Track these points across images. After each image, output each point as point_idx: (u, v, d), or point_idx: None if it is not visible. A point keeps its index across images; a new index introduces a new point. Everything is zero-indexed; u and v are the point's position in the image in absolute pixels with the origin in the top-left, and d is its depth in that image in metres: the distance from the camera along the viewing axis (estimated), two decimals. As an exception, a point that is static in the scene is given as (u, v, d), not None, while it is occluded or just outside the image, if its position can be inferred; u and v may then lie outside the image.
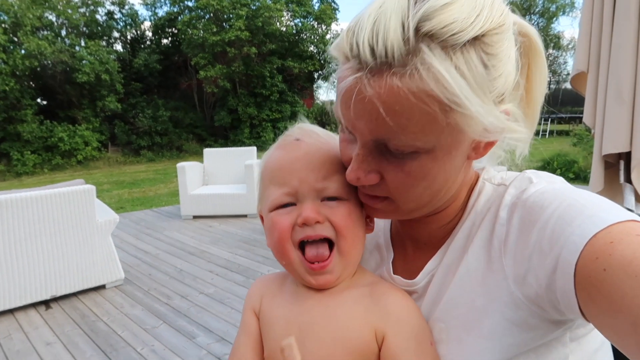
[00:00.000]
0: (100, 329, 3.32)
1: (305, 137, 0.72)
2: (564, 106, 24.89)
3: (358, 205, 0.71)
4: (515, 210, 0.62)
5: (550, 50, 30.98)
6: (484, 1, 0.54)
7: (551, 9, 28.84)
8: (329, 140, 0.73)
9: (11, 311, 3.65)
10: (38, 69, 16.30)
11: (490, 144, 0.62)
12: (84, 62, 16.80)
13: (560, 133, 21.09)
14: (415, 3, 0.52)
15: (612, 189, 2.97)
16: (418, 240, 0.77)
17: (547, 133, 20.55)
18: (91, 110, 17.59)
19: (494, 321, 0.61)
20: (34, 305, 3.77)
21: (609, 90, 2.83)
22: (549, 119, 21.29)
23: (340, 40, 0.58)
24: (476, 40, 0.52)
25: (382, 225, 0.85)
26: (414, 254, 0.77)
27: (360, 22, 0.55)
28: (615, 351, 0.70)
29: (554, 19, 29.38)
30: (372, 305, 0.68)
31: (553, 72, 30.36)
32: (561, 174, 9.50)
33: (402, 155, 0.58)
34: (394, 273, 0.76)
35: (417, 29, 0.51)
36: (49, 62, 16.14)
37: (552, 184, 0.64)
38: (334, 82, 0.66)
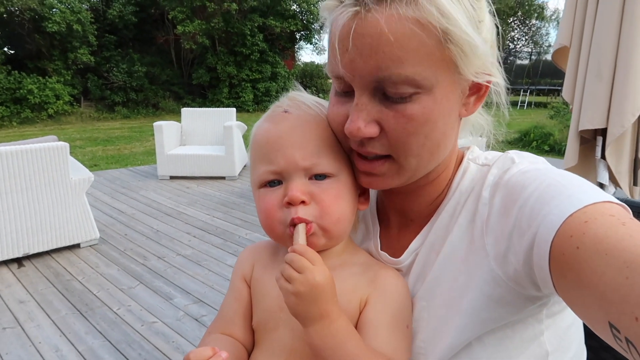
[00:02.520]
0: (75, 288, 3.31)
1: (293, 109, 0.70)
2: (543, 78, 25.11)
3: (349, 181, 0.70)
4: (497, 190, 0.63)
5: (534, 21, 30.93)
6: None
7: (537, -22, 28.62)
8: (318, 112, 0.70)
9: (-18, 268, 3.60)
10: (4, 15, 15.47)
11: (478, 100, 0.65)
12: (54, 10, 16.00)
13: (538, 105, 21.36)
14: None
15: (586, 165, 3.04)
16: (404, 215, 0.77)
17: (526, 104, 20.78)
18: (62, 62, 16.89)
19: (473, 297, 0.63)
20: (6, 262, 3.71)
21: (589, 66, 2.85)
22: (528, 91, 21.49)
23: None
24: None
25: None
26: (398, 231, 0.78)
27: None
28: (586, 328, 0.74)
29: (540, -12, 29.19)
30: (364, 280, 0.69)
31: (535, 43, 30.43)
32: (536, 146, 9.70)
33: (402, 99, 0.58)
34: (381, 249, 0.77)
35: None
36: (17, 8, 15.33)
37: (534, 164, 0.65)
38: (323, 39, 0.66)
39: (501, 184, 0.63)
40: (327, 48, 0.62)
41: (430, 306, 0.69)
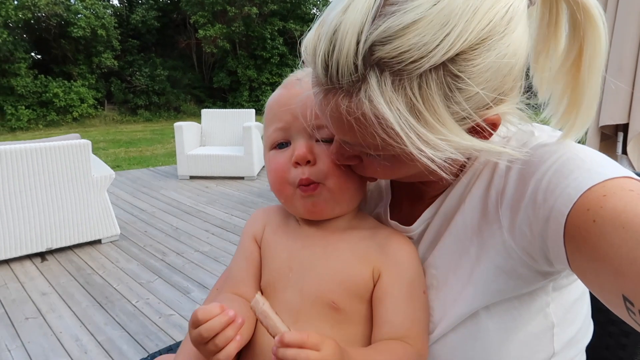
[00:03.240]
0: (96, 282, 3.37)
1: (306, 78, 0.71)
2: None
3: None
4: (514, 162, 0.62)
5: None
6: (463, 12, 0.46)
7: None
8: None
9: (7, 262, 3.69)
10: (32, 21, 15.92)
11: (495, 128, 0.56)
12: (79, 15, 16.41)
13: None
14: (374, 19, 0.47)
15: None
16: (418, 188, 0.77)
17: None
18: (87, 67, 17.30)
19: (484, 268, 0.63)
20: (30, 256, 3.80)
21: (610, 60, 2.81)
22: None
23: (307, 40, 0.56)
24: (443, 64, 0.47)
25: None
26: (411, 201, 0.78)
27: (324, 25, 0.52)
28: (593, 302, 0.73)
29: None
30: (373, 246, 0.70)
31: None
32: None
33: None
34: (391, 218, 0.77)
35: (370, 53, 0.47)
36: (43, 14, 15.75)
37: (554, 137, 0.64)
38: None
39: (518, 155, 0.63)
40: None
41: (440, 274, 0.69)
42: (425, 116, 0.49)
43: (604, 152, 2.16)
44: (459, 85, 0.49)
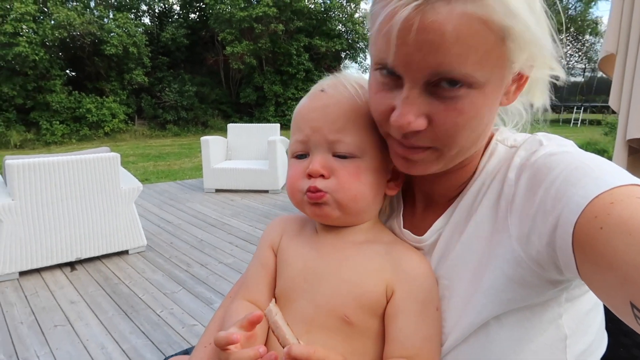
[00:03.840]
0: (122, 291, 3.44)
1: (330, 89, 0.73)
2: (598, 95, 24.13)
3: (374, 164, 0.71)
4: (524, 172, 0.63)
5: (587, 37, 29.93)
6: None
7: (590, -7, 27.79)
8: (354, 94, 0.71)
9: (38, 270, 3.80)
10: (67, 39, 16.51)
11: (518, 89, 0.65)
12: (112, 34, 16.96)
13: (592, 122, 20.54)
14: None
15: (636, 175, 2.91)
16: (430, 197, 0.78)
17: (579, 122, 20.02)
18: (118, 83, 17.83)
19: (493, 277, 0.63)
20: (60, 266, 3.92)
21: (637, 73, 2.75)
22: (581, 108, 20.72)
23: None
24: None
25: None
26: (423, 211, 0.79)
27: None
28: (606, 313, 0.72)
29: (592, 3, 28.24)
30: (388, 262, 0.70)
31: (589, 60, 29.38)
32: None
33: (455, 93, 0.56)
34: (404, 227, 0.78)
35: None
36: (78, 33, 16.34)
37: (562, 146, 0.64)
38: (367, 28, 0.64)
39: (527, 165, 0.63)
40: (375, 34, 0.60)
41: (452, 285, 0.70)
42: (529, 8, 0.57)
43: (631, 167, 2.11)
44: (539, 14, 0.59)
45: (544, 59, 0.62)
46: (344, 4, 20.99)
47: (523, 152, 0.66)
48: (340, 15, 20.97)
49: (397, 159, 0.68)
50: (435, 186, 0.76)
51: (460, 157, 0.66)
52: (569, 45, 31.53)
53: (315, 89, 0.75)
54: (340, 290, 0.69)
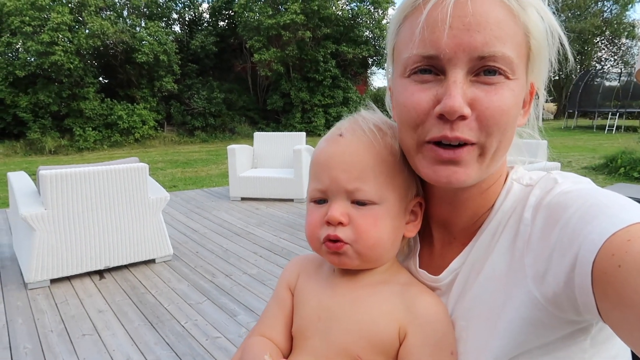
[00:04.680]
0: (148, 301, 3.49)
1: (348, 133, 0.72)
2: (635, 100, 23.39)
3: (393, 209, 0.70)
4: (539, 211, 0.62)
5: (623, 40, 29.18)
6: None
7: (626, -5, 27.08)
8: (372, 138, 0.71)
9: (68, 278, 3.90)
10: (101, 48, 17.03)
11: (527, 111, 0.68)
12: (143, 42, 17.40)
13: (628, 129, 19.96)
14: None
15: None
16: (447, 231, 0.76)
17: (614, 128, 19.44)
18: (149, 90, 18.24)
19: (509, 319, 0.61)
20: (89, 274, 4.01)
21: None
22: (617, 114, 20.11)
23: None
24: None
25: None
26: (441, 249, 0.77)
27: None
28: (634, 357, 0.69)
29: (630, 6, 27.50)
30: (402, 303, 0.69)
31: (625, 63, 28.64)
32: (624, 173, 9.04)
33: (495, 80, 0.59)
34: (420, 267, 0.77)
35: None
36: (111, 41, 16.82)
37: (577, 184, 0.63)
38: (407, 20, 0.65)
39: (543, 204, 0.62)
40: (416, 30, 0.61)
41: (469, 326, 0.68)
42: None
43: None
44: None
45: (542, 74, 0.66)
46: (372, 11, 21.00)
47: (538, 191, 0.65)
48: (368, 22, 20.98)
49: (435, 168, 0.64)
50: (453, 217, 0.74)
51: (495, 161, 0.65)
52: (604, 49, 30.78)
53: (333, 133, 0.74)
54: (352, 330, 0.69)
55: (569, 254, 0.53)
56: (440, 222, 0.78)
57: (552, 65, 0.68)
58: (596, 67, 29.29)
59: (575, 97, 21.10)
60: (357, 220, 0.68)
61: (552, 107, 32.63)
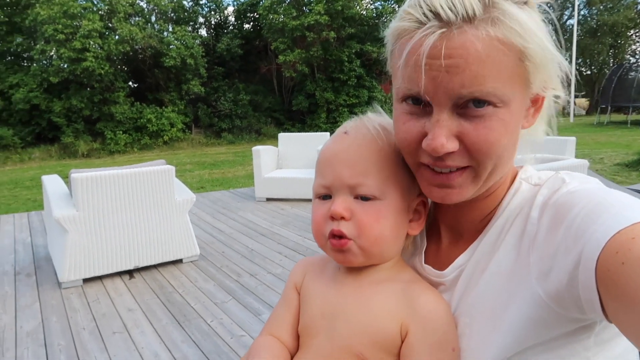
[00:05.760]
0: (176, 300, 3.58)
1: (353, 131, 0.74)
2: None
3: (396, 205, 0.71)
4: (546, 210, 0.63)
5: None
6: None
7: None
8: (376, 135, 0.73)
9: (100, 278, 4.03)
10: (130, 53, 17.46)
11: (536, 111, 0.68)
12: (171, 46, 17.75)
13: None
14: None
15: None
16: (454, 231, 0.77)
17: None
18: (177, 93, 18.61)
19: (513, 316, 0.62)
20: (120, 274, 4.13)
21: None
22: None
23: (404, 13, 0.61)
24: (528, 3, 0.60)
25: None
26: (447, 246, 0.78)
27: None
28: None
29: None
30: (404, 301, 0.70)
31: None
32: (659, 168, 8.70)
33: (482, 112, 0.59)
34: (425, 263, 0.78)
35: None
36: (140, 46, 17.22)
37: (584, 184, 0.64)
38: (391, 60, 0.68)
39: (549, 203, 0.63)
40: (402, 67, 0.62)
41: (472, 323, 0.69)
42: (544, 32, 0.61)
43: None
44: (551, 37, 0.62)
45: (552, 80, 0.65)
46: (396, 9, 20.83)
47: (546, 191, 0.66)
48: (392, 21, 20.85)
49: (431, 189, 0.68)
50: (460, 218, 0.76)
51: (492, 178, 0.66)
52: (638, 42, 29.79)
53: (339, 131, 0.77)
54: (355, 329, 0.70)
55: (573, 252, 0.54)
56: (448, 223, 0.79)
57: (561, 69, 0.66)
58: (630, 60, 28.38)
59: (609, 92, 20.46)
60: (360, 215, 0.69)
61: (584, 102, 31.76)
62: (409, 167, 0.71)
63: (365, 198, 0.70)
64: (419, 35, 0.58)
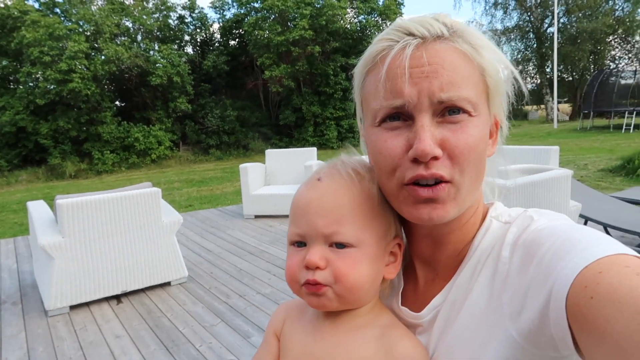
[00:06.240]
0: (164, 325, 3.55)
1: (326, 178, 0.73)
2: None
3: (371, 251, 0.71)
4: (516, 249, 0.64)
5: (637, 38, 28.75)
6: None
7: (637, -6, 26.75)
8: (349, 182, 0.72)
9: (87, 304, 3.99)
10: (116, 73, 17.44)
11: (494, 142, 0.72)
12: (157, 65, 17.76)
13: (645, 127, 19.56)
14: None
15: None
16: (430, 267, 0.78)
17: (632, 127, 19.06)
18: (164, 111, 18.59)
19: (489, 358, 0.63)
20: (107, 299, 4.09)
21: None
22: (634, 112, 19.75)
23: (376, 40, 0.70)
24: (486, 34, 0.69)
25: None
26: (423, 285, 0.79)
27: (401, 23, 0.68)
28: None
29: (641, 3, 27.19)
30: (382, 348, 0.71)
31: (640, 61, 28.22)
32: (643, 174, 8.82)
33: (459, 119, 0.63)
34: (402, 304, 0.79)
35: (442, 20, 0.66)
36: (126, 66, 17.21)
37: (553, 221, 0.65)
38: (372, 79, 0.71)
39: (519, 243, 0.64)
40: (381, 83, 0.65)
41: None
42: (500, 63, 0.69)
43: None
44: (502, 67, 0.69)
45: (502, 107, 0.70)
46: (380, 22, 21.09)
47: (515, 229, 0.68)
48: (377, 33, 20.84)
49: (417, 207, 0.67)
50: (435, 252, 0.77)
51: (468, 198, 0.68)
52: (617, 47, 30.35)
53: (312, 177, 0.76)
54: None
55: (543, 290, 0.55)
56: (423, 259, 0.80)
57: (509, 98, 0.72)
58: (610, 65, 28.87)
59: (590, 97, 20.76)
60: (336, 264, 0.69)
61: (567, 108, 32.18)
62: (384, 210, 0.72)
63: (340, 246, 0.70)
64: (399, 47, 0.64)
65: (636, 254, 0.53)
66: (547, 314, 0.54)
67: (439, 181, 0.64)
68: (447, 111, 0.62)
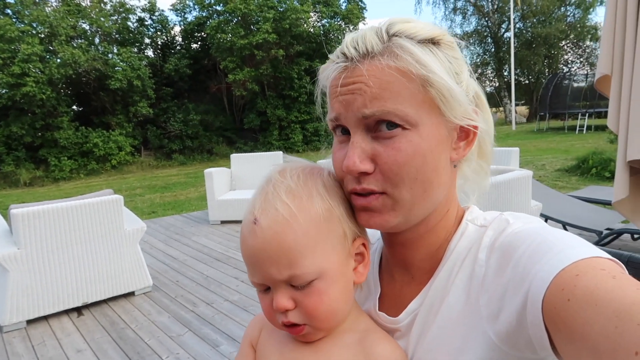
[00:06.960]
0: (129, 336, 3.43)
1: (262, 218, 0.66)
2: (603, 100, 23.98)
3: (335, 274, 0.69)
4: (493, 252, 0.64)
5: (588, 42, 30.05)
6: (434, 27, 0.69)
7: (587, 0, 27.97)
8: (289, 216, 0.66)
9: (45, 318, 3.81)
10: (73, 76, 16.87)
11: (468, 145, 0.70)
12: (116, 68, 17.30)
13: (597, 128, 20.41)
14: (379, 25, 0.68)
15: (638, 196, 2.87)
16: (406, 270, 0.77)
17: (585, 128, 19.87)
18: (124, 116, 18.10)
19: None
20: (67, 312, 3.92)
21: (633, 93, 2.74)
22: (586, 114, 20.60)
23: (331, 56, 0.71)
24: (434, 41, 0.66)
25: (371, 259, 0.86)
26: (400, 289, 0.78)
27: (343, 43, 0.69)
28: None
29: (591, 10, 28.49)
30: (361, 352, 0.70)
31: (591, 65, 29.46)
32: (596, 173, 9.23)
33: (391, 134, 0.63)
34: (380, 309, 0.77)
35: (387, 30, 0.65)
36: (83, 69, 16.68)
37: (528, 224, 0.66)
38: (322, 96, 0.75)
39: (496, 245, 0.65)
40: (328, 100, 0.71)
41: None
42: (443, 66, 0.65)
43: (635, 188, 2.10)
44: (455, 62, 0.67)
45: (467, 112, 0.68)
46: (343, 26, 21.25)
47: (491, 232, 0.68)
48: (340, 37, 21.18)
49: (359, 213, 0.70)
50: (408, 255, 0.76)
51: (417, 207, 0.66)
52: (570, 52, 31.63)
53: (248, 219, 0.68)
54: None
55: (520, 292, 0.55)
56: (399, 262, 0.79)
57: (468, 102, 0.69)
58: (564, 69, 30.04)
59: (546, 100, 21.54)
60: (303, 302, 0.66)
61: (524, 110, 33.29)
62: (332, 224, 0.68)
63: (303, 285, 0.66)
64: (331, 70, 0.68)
65: (610, 257, 0.55)
66: (524, 315, 0.55)
67: (370, 192, 0.66)
68: (383, 125, 0.63)
